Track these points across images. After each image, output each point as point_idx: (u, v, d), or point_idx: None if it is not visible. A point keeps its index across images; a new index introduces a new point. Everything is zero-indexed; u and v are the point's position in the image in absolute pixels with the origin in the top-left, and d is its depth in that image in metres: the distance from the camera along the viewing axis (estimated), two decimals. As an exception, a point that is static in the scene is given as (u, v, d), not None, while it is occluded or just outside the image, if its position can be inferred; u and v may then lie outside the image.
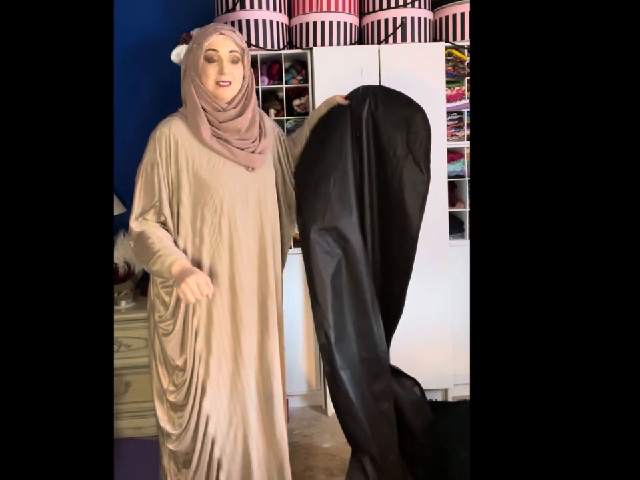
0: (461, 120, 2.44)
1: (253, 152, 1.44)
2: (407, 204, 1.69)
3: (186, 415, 1.46)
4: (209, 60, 1.38)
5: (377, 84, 1.74)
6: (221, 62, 1.38)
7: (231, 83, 1.39)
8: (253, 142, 1.45)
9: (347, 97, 1.70)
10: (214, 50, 1.38)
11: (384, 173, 1.70)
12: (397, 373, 1.88)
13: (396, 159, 1.68)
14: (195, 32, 1.81)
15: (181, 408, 1.47)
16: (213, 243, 1.43)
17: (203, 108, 1.39)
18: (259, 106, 2.20)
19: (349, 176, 1.66)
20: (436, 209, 2.33)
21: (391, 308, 1.78)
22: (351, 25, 2.36)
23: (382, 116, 1.68)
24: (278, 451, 1.55)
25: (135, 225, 1.41)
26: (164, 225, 1.43)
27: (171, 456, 1.52)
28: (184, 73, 1.44)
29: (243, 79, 1.43)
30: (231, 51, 1.39)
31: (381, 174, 1.71)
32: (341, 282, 1.64)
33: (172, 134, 1.40)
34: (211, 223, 1.42)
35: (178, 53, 1.91)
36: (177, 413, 1.48)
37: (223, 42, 1.38)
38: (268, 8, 2.29)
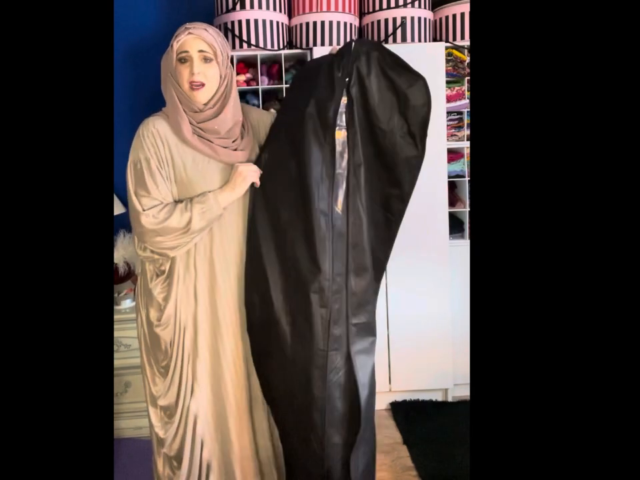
0: (461, 120, 2.44)
1: (235, 150, 1.42)
2: (401, 178, 1.47)
3: (176, 418, 1.47)
4: (181, 61, 1.35)
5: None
6: (192, 62, 1.34)
7: (204, 84, 1.35)
8: (234, 141, 1.42)
9: (337, 53, 1.47)
10: (184, 50, 1.34)
11: (373, 145, 1.45)
12: None
13: (389, 130, 1.43)
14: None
15: (173, 411, 1.47)
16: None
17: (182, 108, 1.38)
18: (259, 106, 2.18)
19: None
20: (436, 209, 2.33)
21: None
22: (350, 25, 2.36)
23: (375, 80, 1.41)
24: (270, 438, 1.55)
25: (147, 220, 1.34)
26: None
27: (165, 461, 1.52)
28: (164, 74, 1.42)
29: (221, 78, 1.39)
30: (201, 51, 1.34)
31: (369, 147, 1.46)
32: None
33: (157, 130, 1.39)
34: None
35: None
36: (169, 417, 1.48)
37: (192, 42, 1.33)
38: (268, 8, 2.30)
